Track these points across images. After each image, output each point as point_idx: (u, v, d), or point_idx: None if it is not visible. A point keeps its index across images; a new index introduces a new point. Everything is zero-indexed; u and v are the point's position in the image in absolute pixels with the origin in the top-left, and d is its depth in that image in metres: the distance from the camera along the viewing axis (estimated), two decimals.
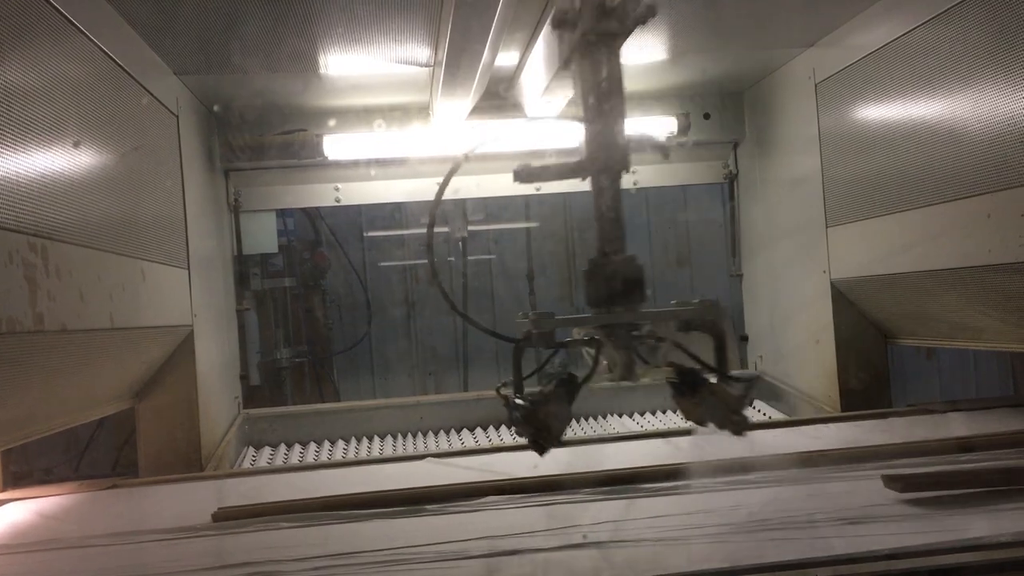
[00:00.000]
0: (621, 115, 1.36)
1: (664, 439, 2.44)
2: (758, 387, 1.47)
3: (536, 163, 1.44)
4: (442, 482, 1.92)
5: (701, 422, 1.43)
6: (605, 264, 1.35)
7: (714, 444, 2.25)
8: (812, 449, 2.02)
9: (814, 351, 2.88)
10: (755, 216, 3.39)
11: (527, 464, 1.99)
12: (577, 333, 1.44)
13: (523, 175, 1.42)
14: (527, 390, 1.40)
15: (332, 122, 3.09)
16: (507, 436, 3.06)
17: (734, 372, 1.41)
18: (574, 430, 3.08)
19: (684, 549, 1.41)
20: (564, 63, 1.44)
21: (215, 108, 2.95)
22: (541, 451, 1.38)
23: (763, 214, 3.31)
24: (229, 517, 1.79)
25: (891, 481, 1.64)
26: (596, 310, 1.36)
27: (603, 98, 1.35)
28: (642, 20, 1.32)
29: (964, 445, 1.97)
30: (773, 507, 1.61)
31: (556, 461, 1.95)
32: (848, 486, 1.74)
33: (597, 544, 1.45)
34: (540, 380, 1.49)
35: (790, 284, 3.08)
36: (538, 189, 3.30)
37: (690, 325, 1.38)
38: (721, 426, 1.37)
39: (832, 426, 2.46)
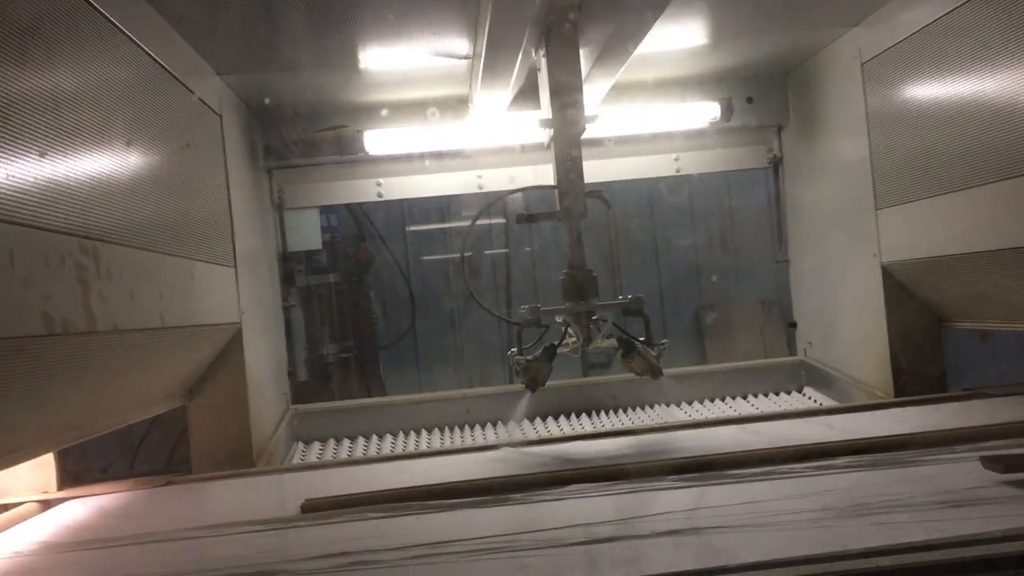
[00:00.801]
0: (581, 181, 2.25)
1: (739, 425, 2.44)
2: (666, 351, 2.18)
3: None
4: (519, 471, 1.94)
5: (635, 372, 2.24)
6: (572, 274, 2.21)
7: (791, 429, 2.31)
8: (889, 434, 2.00)
9: (865, 337, 2.83)
10: (801, 201, 3.34)
11: (600, 451, 2.23)
12: (558, 318, 2.22)
13: (522, 219, 2.29)
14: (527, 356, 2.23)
15: (384, 111, 3.11)
16: (562, 425, 3.06)
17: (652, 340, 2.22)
18: (663, 417, 3.08)
19: (786, 534, 1.38)
20: (547, 147, 2.35)
21: (266, 101, 2.97)
22: (532, 390, 2.21)
23: (810, 198, 3.26)
24: (318, 508, 1.81)
25: (990, 462, 1.60)
26: (568, 303, 2.19)
27: (570, 170, 2.24)
28: (590, 123, 2.29)
29: None
30: (871, 491, 1.58)
31: (635, 448, 2.22)
32: (941, 469, 1.71)
33: (696, 530, 1.44)
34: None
35: (839, 269, 3.03)
36: None
37: (628, 312, 2.22)
38: (645, 374, 2.21)
39: (891, 411, 2.42)
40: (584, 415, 3.18)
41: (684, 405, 3.24)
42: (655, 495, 1.72)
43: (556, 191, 2.26)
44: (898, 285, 2.69)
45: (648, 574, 1.25)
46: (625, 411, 3.22)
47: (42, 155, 1.38)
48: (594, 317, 2.20)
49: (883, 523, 1.39)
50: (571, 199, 2.22)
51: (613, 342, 2.24)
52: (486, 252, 4.28)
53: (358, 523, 1.71)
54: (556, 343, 2.24)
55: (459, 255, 4.25)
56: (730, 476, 1.80)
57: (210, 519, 1.81)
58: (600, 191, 2.29)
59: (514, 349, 2.25)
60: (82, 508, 2.09)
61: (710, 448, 2.03)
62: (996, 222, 2.15)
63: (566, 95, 2.22)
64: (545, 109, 2.29)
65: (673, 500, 1.67)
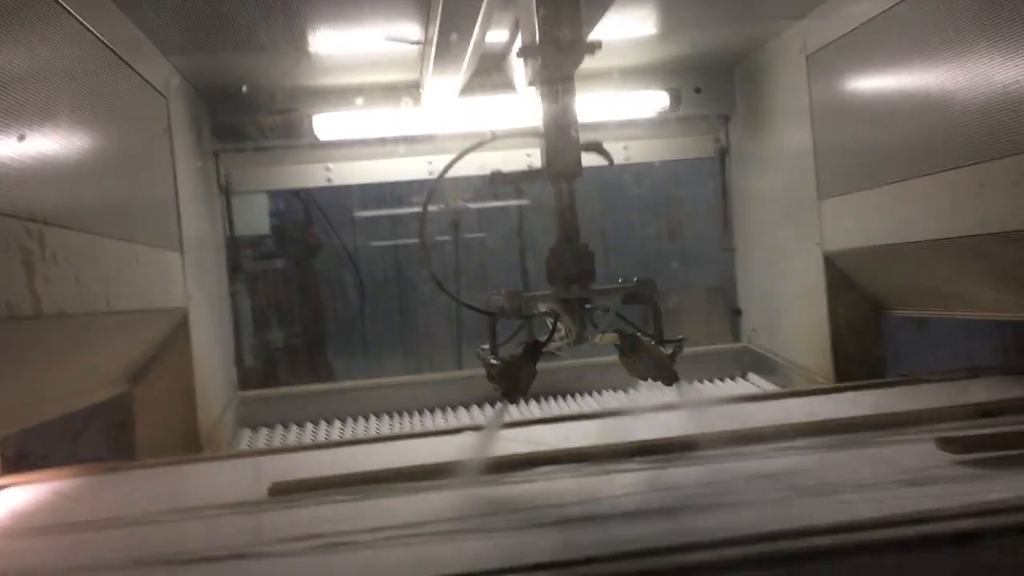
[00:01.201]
0: (575, 128, 1.72)
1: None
2: (683, 351, 1.74)
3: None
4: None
5: (641, 376, 1.76)
6: (562, 251, 1.72)
7: (739, 413, 2.32)
8: (845, 416, 2.06)
9: (808, 324, 2.90)
10: (747, 190, 3.40)
11: (560, 436, 2.12)
12: (542, 306, 1.77)
13: (497, 179, 1.78)
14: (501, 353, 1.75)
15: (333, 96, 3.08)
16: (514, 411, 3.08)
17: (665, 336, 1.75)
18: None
19: (753, 512, 1.43)
20: (529, 83, 1.77)
21: (214, 83, 2.92)
22: (512, 401, 1.72)
23: (755, 188, 3.32)
24: (286, 491, 1.80)
25: (946, 443, 1.65)
26: (555, 288, 1.71)
27: (560, 116, 1.72)
28: (591, 53, 1.70)
29: (984, 411, 1.99)
30: (832, 471, 1.63)
31: (598, 432, 2.14)
32: (897, 450, 1.76)
33: (666, 511, 1.47)
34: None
35: (783, 257, 3.09)
36: (529, 167, 3.28)
37: (631, 299, 1.74)
38: (655, 379, 1.73)
39: (843, 395, 2.49)
40: (532, 400, 3.20)
41: (631, 391, 3.27)
42: (620, 476, 1.75)
43: (542, 142, 1.75)
44: (839, 273, 2.75)
45: (621, 550, 1.27)
46: (569, 397, 3.24)
47: None
48: (588, 305, 1.73)
49: (846, 501, 1.44)
50: (562, 152, 1.71)
51: (615, 338, 1.76)
52: (438, 239, 4.28)
53: (328, 505, 1.70)
54: (543, 340, 1.78)
55: (409, 241, 4.25)
56: (694, 458, 1.83)
57: (170, 503, 1.79)
58: (600, 143, 1.82)
59: (484, 347, 1.78)
60: (28, 494, 2.05)
61: (671, 432, 1.98)
62: (933, 212, 2.22)
63: (559, 9, 1.68)
64: (529, 32, 1.76)
65: (638, 480, 1.70)
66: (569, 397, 3.24)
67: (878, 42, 2.37)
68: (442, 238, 4.30)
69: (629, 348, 1.75)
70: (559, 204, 1.75)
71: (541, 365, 1.73)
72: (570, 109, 1.72)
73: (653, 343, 1.73)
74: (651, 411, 2.48)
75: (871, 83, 2.44)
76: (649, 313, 1.76)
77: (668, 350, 1.72)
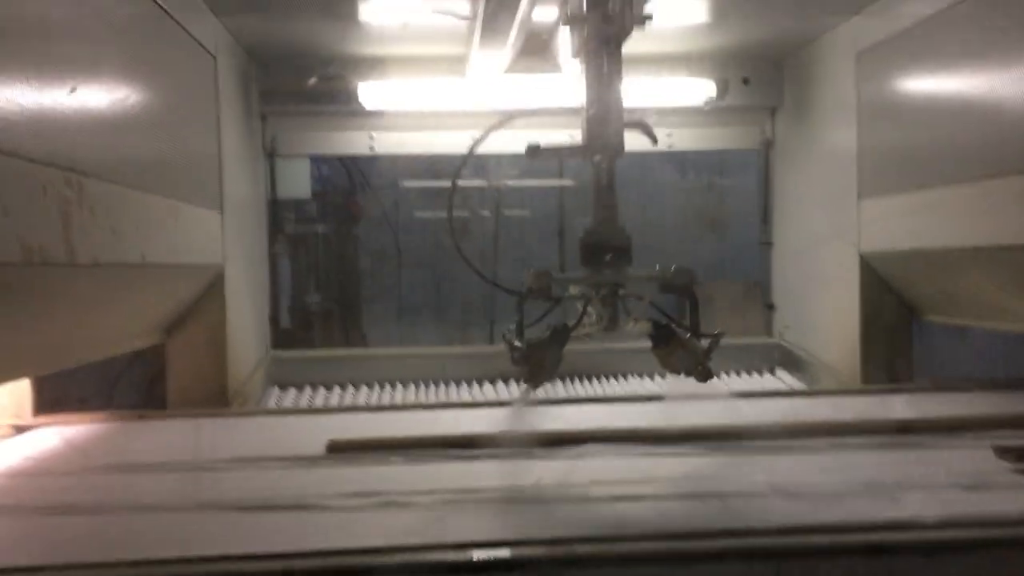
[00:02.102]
0: (619, 104, 1.63)
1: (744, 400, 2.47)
2: (719, 347, 1.65)
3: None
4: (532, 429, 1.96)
5: (674, 370, 1.66)
6: (598, 232, 1.64)
7: (790, 406, 2.33)
8: (896, 417, 2.04)
9: (839, 323, 2.87)
10: (788, 184, 3.36)
11: (608, 415, 2.14)
12: (573, 289, 1.67)
13: (533, 153, 1.70)
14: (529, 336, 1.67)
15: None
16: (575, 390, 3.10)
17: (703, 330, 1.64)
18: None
19: (808, 505, 1.43)
20: (574, 54, 1.70)
21: (264, 45, 2.95)
22: (535, 386, 1.66)
23: (796, 183, 3.29)
24: (343, 449, 1.85)
25: (1003, 452, 1.65)
26: (588, 270, 1.63)
27: (603, 89, 1.62)
28: (639, 25, 1.63)
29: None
30: (885, 471, 1.63)
31: (642, 415, 2.10)
32: (951, 454, 1.75)
33: (719, 495, 1.48)
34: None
35: (819, 255, 3.06)
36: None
37: (668, 287, 1.63)
38: (689, 374, 1.63)
39: (859, 398, 2.47)
40: (559, 382, 3.22)
41: (658, 379, 3.28)
42: (675, 460, 1.75)
43: (583, 117, 1.67)
44: (875, 275, 2.72)
45: (677, 530, 1.29)
46: (599, 379, 3.25)
47: (28, 84, 1.39)
48: (622, 292, 1.65)
49: (901, 500, 1.44)
50: (604, 126, 1.62)
51: (648, 327, 1.66)
52: (484, 213, 4.29)
53: (384, 466, 1.75)
54: (571, 324, 1.68)
55: (448, 212, 4.27)
56: (747, 447, 1.83)
57: (225, 453, 1.84)
58: (645, 121, 1.73)
59: (511, 327, 1.69)
60: (63, 435, 2.12)
61: (713, 420, 1.97)
62: (976, 219, 2.18)
63: None
64: (576, 2, 1.68)
65: (691, 465, 1.71)
66: (618, 378, 3.26)
67: (929, 43, 2.33)
68: (483, 213, 4.32)
69: (663, 339, 1.64)
70: (597, 182, 1.67)
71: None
72: (615, 83, 1.63)
73: (689, 336, 1.63)
74: (696, 398, 2.50)
75: (920, 84, 2.40)
76: (686, 304, 1.65)
77: (704, 344, 1.61)
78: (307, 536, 1.32)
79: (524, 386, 1.69)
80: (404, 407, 2.61)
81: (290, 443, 1.95)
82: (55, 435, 2.11)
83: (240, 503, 1.49)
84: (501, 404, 2.44)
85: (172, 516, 1.46)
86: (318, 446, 1.87)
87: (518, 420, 1.88)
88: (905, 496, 1.46)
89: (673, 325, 1.65)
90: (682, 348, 1.62)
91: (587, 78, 1.64)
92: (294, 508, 1.47)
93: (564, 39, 2.62)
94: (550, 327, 1.66)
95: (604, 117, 1.62)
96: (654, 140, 1.75)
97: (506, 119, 1.90)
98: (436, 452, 1.83)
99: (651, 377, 3.25)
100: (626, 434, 1.89)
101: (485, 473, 1.68)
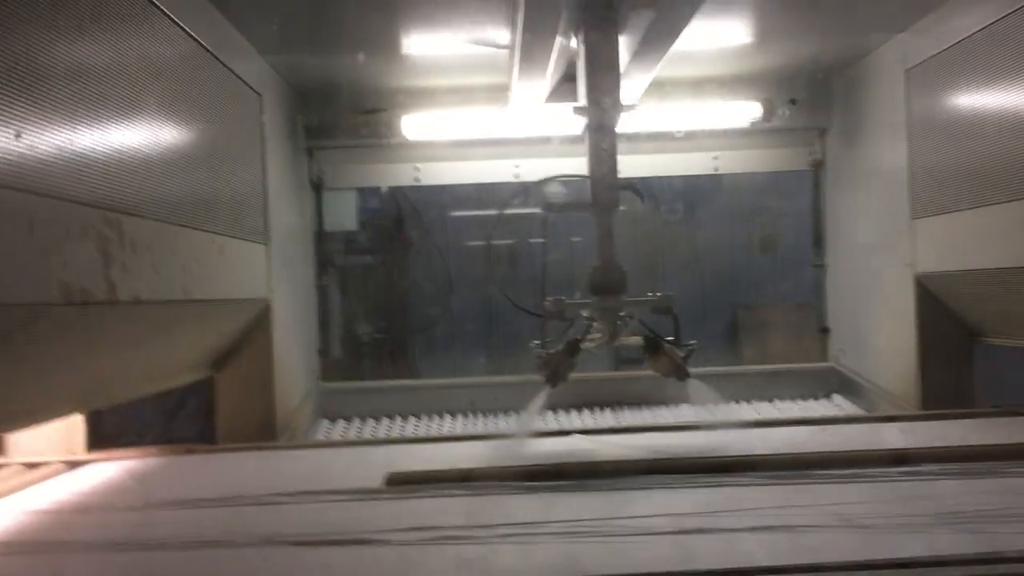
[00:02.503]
0: (614, 172, 2.13)
1: (816, 427, 2.42)
2: (694, 353, 2.08)
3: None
4: (591, 459, 1.97)
5: (661, 373, 2.13)
6: (602, 269, 2.12)
7: (861, 434, 2.28)
8: (972, 444, 1.99)
9: (895, 347, 2.79)
10: (840, 205, 3.29)
11: (672, 444, 2.21)
12: (584, 312, 2.14)
13: (551, 209, 2.39)
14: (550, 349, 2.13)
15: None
16: (585, 419, 3.06)
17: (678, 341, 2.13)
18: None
19: (880, 538, 1.39)
20: (582, 134, 2.19)
21: (309, 82, 3.00)
22: (553, 386, 2.11)
23: (848, 204, 3.22)
24: (403, 482, 1.86)
25: None
26: (594, 297, 2.11)
27: (602, 162, 2.13)
28: (626, 110, 2.15)
29: None
30: (962, 500, 1.57)
31: (704, 443, 2.18)
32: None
33: (789, 528, 1.44)
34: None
35: (873, 277, 2.99)
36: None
37: (656, 309, 2.14)
38: (671, 375, 2.11)
39: (919, 424, 2.39)
40: (608, 409, 3.18)
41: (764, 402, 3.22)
42: (741, 491, 1.71)
43: (588, 181, 2.14)
44: (931, 297, 2.64)
45: (749, 566, 1.26)
46: (648, 407, 3.21)
47: (67, 127, 1.42)
48: (621, 313, 2.12)
49: (979, 531, 1.38)
50: (602, 190, 2.11)
51: (639, 340, 2.14)
52: (531, 240, 4.28)
53: (444, 499, 1.74)
54: (580, 337, 2.14)
55: (499, 242, 4.27)
56: (816, 476, 1.79)
57: (284, 486, 1.85)
58: (634, 182, 2.19)
59: (536, 341, 2.17)
60: (114, 470, 2.14)
61: (777, 449, 1.99)
62: None
63: (602, 80, 2.13)
64: (581, 97, 2.20)
65: (760, 497, 1.66)
66: (627, 408, 3.22)
67: (980, 57, 2.26)
68: (535, 240, 4.30)
69: (651, 349, 2.13)
70: (600, 231, 2.15)
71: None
72: (612, 156, 2.13)
73: (671, 346, 2.11)
74: (754, 426, 2.47)
75: (972, 99, 2.33)
76: (671, 322, 2.14)
77: (682, 353, 2.11)
78: (366, 572, 1.31)
79: (543, 389, 2.12)
80: (461, 438, 2.59)
81: (348, 476, 1.94)
82: (107, 470, 2.14)
83: (300, 537, 1.49)
84: (559, 434, 2.40)
85: (233, 552, 1.45)
86: (376, 479, 1.87)
87: (518, 427, 1.89)
88: (987, 528, 1.39)
89: (659, 339, 2.12)
90: (666, 355, 2.11)
91: (590, 151, 2.14)
92: (354, 543, 1.46)
93: None
94: (565, 341, 2.13)
95: (602, 181, 2.12)
96: (642, 199, 2.26)
97: (542, 182, 2.46)
98: (496, 484, 1.81)
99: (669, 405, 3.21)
100: (687, 464, 1.87)
101: (546, 507, 1.65)
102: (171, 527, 1.60)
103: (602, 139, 2.13)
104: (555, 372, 2.10)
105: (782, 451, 1.94)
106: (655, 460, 1.93)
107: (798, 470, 1.83)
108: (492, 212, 4.19)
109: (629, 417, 3.12)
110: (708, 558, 1.31)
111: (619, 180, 2.14)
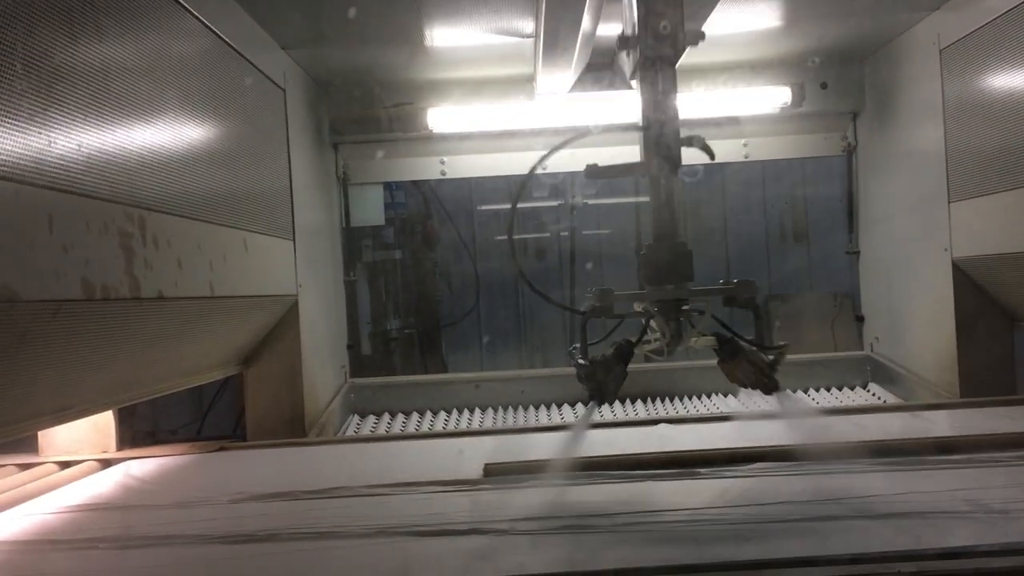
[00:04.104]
0: (675, 121, 1.64)
1: (907, 412, 2.38)
2: (785, 358, 1.66)
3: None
4: (681, 448, 1.93)
5: (740, 383, 1.67)
6: (659, 249, 1.65)
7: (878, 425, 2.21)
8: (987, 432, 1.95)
9: (933, 334, 2.73)
10: (874, 191, 3.23)
11: (757, 434, 2.03)
12: (637, 307, 1.70)
13: (593, 173, 1.68)
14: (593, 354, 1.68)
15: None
16: (616, 411, 3.03)
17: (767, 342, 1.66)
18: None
19: (962, 523, 1.36)
20: (630, 76, 1.74)
21: (332, 76, 2.99)
22: (600, 403, 1.65)
23: (882, 188, 3.15)
24: (501, 472, 1.85)
25: None
26: (651, 287, 1.65)
27: (659, 107, 1.65)
28: (693, 43, 1.64)
29: None
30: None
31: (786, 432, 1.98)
32: None
33: (920, 515, 1.41)
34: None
35: (909, 263, 2.92)
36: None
37: (730, 301, 1.65)
38: (755, 387, 1.64)
39: (958, 412, 2.34)
40: (640, 401, 3.14)
41: (742, 396, 3.17)
42: (849, 478, 1.67)
43: (641, 133, 1.69)
44: (970, 282, 2.58)
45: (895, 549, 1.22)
46: (682, 399, 3.17)
47: (87, 123, 1.41)
48: (685, 307, 1.66)
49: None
50: (661, 144, 1.64)
51: (712, 341, 1.66)
52: (562, 233, 4.25)
53: (542, 489, 1.71)
54: (634, 340, 1.70)
55: (527, 235, 4.24)
56: (930, 462, 1.75)
57: (372, 479, 1.84)
58: (701, 137, 1.69)
59: (576, 345, 1.71)
60: (148, 467, 2.15)
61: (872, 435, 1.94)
62: None
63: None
64: (629, 23, 1.72)
65: (872, 483, 1.62)
66: (660, 400, 3.18)
67: (1018, 34, 2.20)
68: (560, 233, 4.27)
69: (728, 353, 1.65)
70: (656, 199, 1.68)
71: None
72: (670, 99, 1.65)
73: (754, 349, 1.64)
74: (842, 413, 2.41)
75: (1011, 78, 2.27)
76: (751, 316, 1.67)
77: (770, 357, 1.63)
78: (504, 561, 1.29)
79: (589, 403, 1.68)
80: (547, 428, 2.57)
81: (442, 467, 1.94)
82: (138, 468, 2.15)
83: (410, 528, 1.48)
84: (645, 423, 2.37)
85: (353, 542, 1.44)
86: (467, 470, 1.87)
87: (565, 447, 1.82)
88: None
89: (739, 339, 1.65)
90: (747, 362, 1.63)
91: (643, 97, 1.67)
92: (472, 533, 1.44)
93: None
94: (614, 344, 1.67)
95: (660, 134, 1.64)
96: (711, 155, 1.70)
97: (578, 136, 1.87)
98: (590, 474, 1.79)
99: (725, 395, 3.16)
100: (789, 452, 1.82)
101: (655, 494, 1.64)
102: (258, 520, 1.59)
103: (658, 78, 1.65)
104: (602, 385, 1.65)
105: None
106: (762, 448, 1.85)
107: (920, 455, 1.79)
108: (521, 205, 4.16)
109: (656, 408, 3.08)
110: (840, 544, 1.27)
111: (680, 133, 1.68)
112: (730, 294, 1.64)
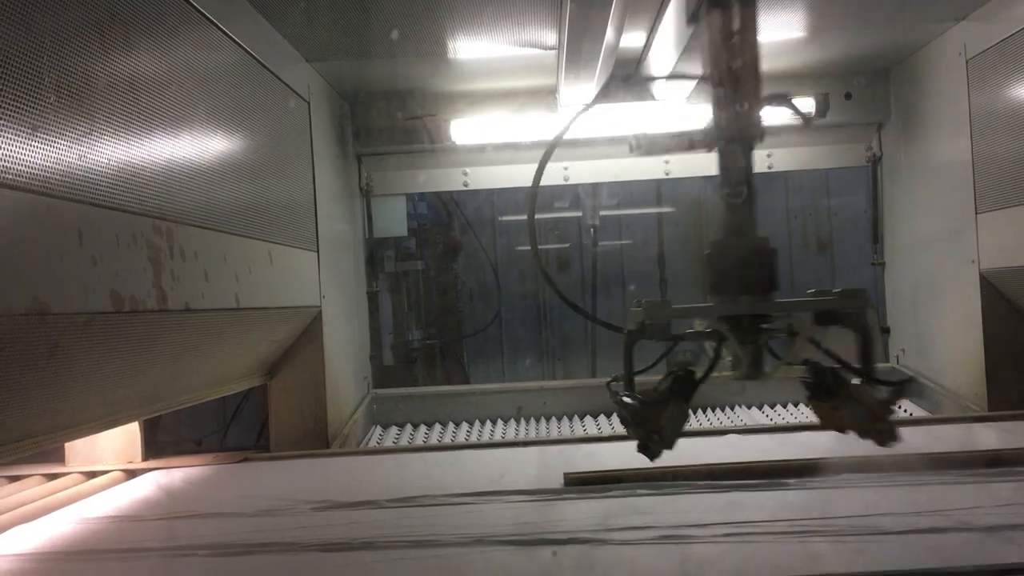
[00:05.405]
0: (755, 76, 1.22)
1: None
2: (906, 395, 1.44)
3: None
4: (758, 458, 1.91)
5: (840, 429, 1.28)
6: (731, 247, 1.22)
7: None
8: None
9: (960, 346, 2.70)
10: (900, 201, 3.20)
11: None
12: (699, 324, 1.29)
13: (641, 146, 1.36)
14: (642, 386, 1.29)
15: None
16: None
17: (881, 373, 1.24)
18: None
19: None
20: (691, 16, 1.35)
21: (356, 88, 3.00)
22: (651, 456, 1.25)
23: (908, 199, 3.12)
24: (582, 482, 1.84)
25: None
26: (719, 299, 1.24)
27: (733, 56, 1.22)
28: None
29: None
30: None
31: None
32: None
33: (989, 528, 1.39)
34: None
35: (936, 274, 2.89)
36: (667, 174, 3.20)
37: (829, 318, 1.24)
38: (863, 435, 1.24)
39: (991, 425, 2.33)
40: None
41: (766, 408, 3.15)
42: (944, 488, 1.64)
43: (712, 90, 1.29)
44: (996, 293, 2.55)
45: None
46: (704, 411, 3.15)
47: (116, 138, 1.42)
48: (764, 325, 1.25)
49: None
50: (738, 107, 1.25)
51: (804, 372, 1.29)
52: (583, 243, 4.25)
53: (628, 499, 1.70)
54: (695, 369, 1.30)
55: (550, 246, 4.24)
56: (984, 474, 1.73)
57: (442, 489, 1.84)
58: (787, 94, 1.32)
59: (615, 376, 1.30)
60: (163, 478, 2.16)
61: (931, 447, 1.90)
62: None
63: None
64: None
65: (977, 495, 1.57)
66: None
67: None
68: (583, 243, 4.27)
69: (826, 390, 1.25)
70: (725, 179, 1.28)
71: None
72: (751, 51, 1.25)
73: (862, 384, 1.23)
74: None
75: None
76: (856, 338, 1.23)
77: (883, 394, 1.22)
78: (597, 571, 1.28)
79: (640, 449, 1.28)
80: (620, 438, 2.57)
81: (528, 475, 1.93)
82: (164, 479, 2.16)
83: (487, 537, 1.48)
84: (714, 433, 2.36)
85: (453, 551, 1.43)
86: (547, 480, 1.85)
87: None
88: None
89: (842, 368, 1.25)
90: (853, 400, 1.23)
91: (710, 40, 1.25)
92: (569, 542, 1.42)
93: (654, 64, 2.59)
94: (671, 374, 1.28)
95: (737, 93, 1.23)
96: (803, 117, 1.37)
97: (592, 103, 1.66)
98: (675, 484, 1.77)
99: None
100: (863, 463, 1.77)
101: (749, 504, 1.61)
102: (333, 531, 1.60)
103: (734, 19, 1.25)
104: (657, 432, 1.23)
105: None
106: (839, 459, 1.79)
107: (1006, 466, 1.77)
108: (544, 216, 4.17)
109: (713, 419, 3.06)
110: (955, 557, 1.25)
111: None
112: (830, 308, 1.23)
